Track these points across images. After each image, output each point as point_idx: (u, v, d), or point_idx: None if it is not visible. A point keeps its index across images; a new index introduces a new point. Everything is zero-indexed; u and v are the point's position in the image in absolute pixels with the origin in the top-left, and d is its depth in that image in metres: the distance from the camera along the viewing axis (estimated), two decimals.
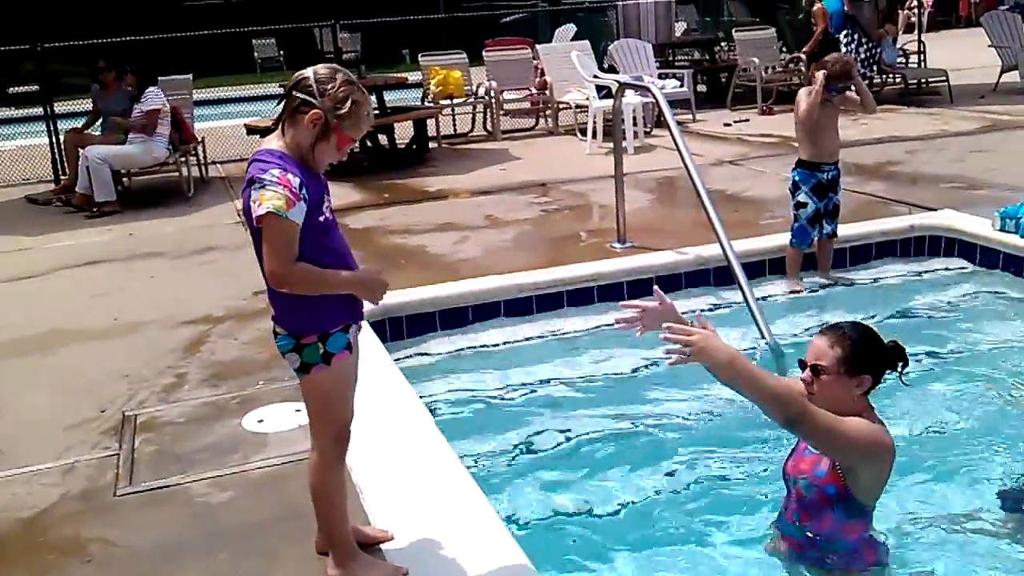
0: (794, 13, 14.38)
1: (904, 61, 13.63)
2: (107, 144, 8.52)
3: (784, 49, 13.75)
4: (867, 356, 2.64)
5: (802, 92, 5.53)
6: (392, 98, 10.66)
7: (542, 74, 12.02)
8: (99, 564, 2.95)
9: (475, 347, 5.03)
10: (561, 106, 11.44)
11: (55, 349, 4.92)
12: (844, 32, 11.89)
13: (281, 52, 23.30)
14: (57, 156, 9.73)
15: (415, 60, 12.74)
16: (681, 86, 11.49)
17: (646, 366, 4.66)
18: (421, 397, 4.04)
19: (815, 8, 12.38)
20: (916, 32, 15.31)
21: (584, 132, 10.35)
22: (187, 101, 9.80)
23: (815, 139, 5.44)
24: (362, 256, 6.11)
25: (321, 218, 2.50)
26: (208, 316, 5.24)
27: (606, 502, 3.50)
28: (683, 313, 2.72)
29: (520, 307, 5.29)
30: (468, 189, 8.44)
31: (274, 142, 2.50)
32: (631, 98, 9.44)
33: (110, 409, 4.07)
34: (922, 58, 13.95)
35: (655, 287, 2.78)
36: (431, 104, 11.21)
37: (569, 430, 4.09)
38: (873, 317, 4.95)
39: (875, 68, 12.23)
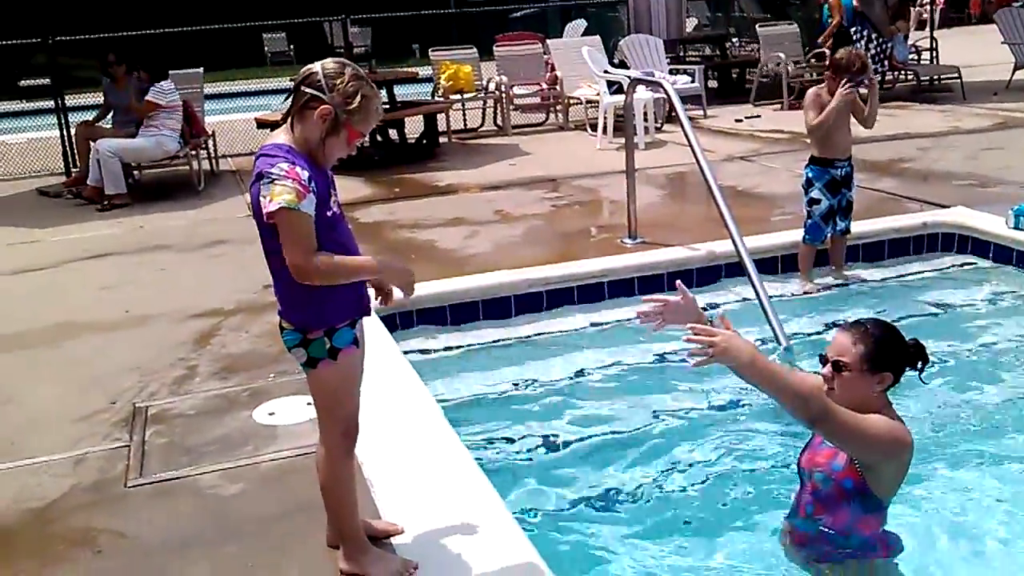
0: (805, 8, 14.33)
1: (916, 58, 13.58)
2: (118, 137, 8.54)
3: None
4: (889, 354, 2.63)
5: (811, 92, 5.49)
6: (402, 93, 10.66)
7: (552, 69, 12.00)
8: (109, 555, 2.95)
9: (485, 342, 5.02)
10: (571, 101, 11.42)
11: (65, 341, 4.93)
12: (854, 28, 11.83)
13: (291, 46, 23.32)
14: (68, 149, 9.75)
15: (425, 55, 12.74)
16: (692, 82, 11.46)
17: (656, 361, 4.65)
18: (430, 390, 4.03)
19: (831, 0, 12.32)
20: (928, 29, 15.26)
21: (594, 127, 10.33)
22: (198, 95, 9.80)
23: (828, 136, 5.40)
24: (372, 250, 6.14)
25: (328, 212, 2.49)
26: (218, 309, 5.24)
27: (616, 496, 3.49)
28: (703, 310, 2.71)
29: (530, 302, 5.28)
30: (478, 184, 8.43)
31: (281, 136, 2.48)
32: (642, 94, 9.41)
33: (120, 401, 4.08)
34: (934, 55, 13.89)
35: (678, 282, 2.77)
36: (441, 99, 11.20)
37: (579, 425, 4.08)
38: (885, 314, 4.92)
39: (886, 64, 12.17)
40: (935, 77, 12.99)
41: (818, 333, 4.92)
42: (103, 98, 9.24)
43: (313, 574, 2.76)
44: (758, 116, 11.44)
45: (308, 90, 2.44)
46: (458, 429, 3.57)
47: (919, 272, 5.76)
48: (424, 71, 11.85)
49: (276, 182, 2.36)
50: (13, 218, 7.99)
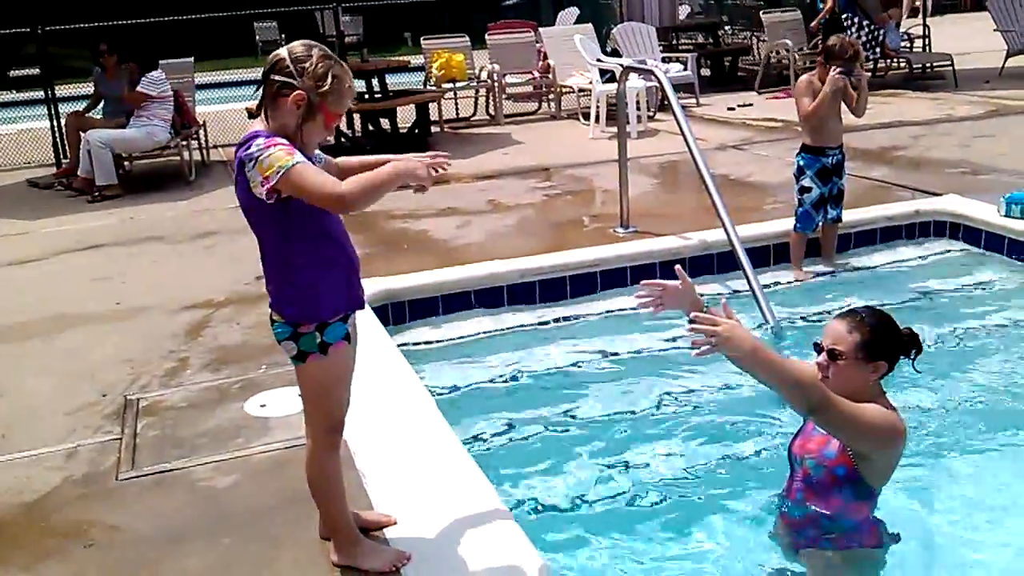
0: None
1: (908, 45, 13.55)
2: (108, 128, 8.51)
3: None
4: (884, 342, 2.63)
5: (803, 79, 5.49)
6: (394, 82, 10.61)
7: (545, 58, 11.97)
8: (101, 548, 2.95)
9: (478, 332, 5.01)
10: (564, 90, 11.40)
11: (56, 333, 4.91)
12: (845, 15, 11.81)
13: (283, 35, 23.16)
14: (58, 140, 9.69)
15: (417, 43, 12.69)
16: (685, 70, 11.44)
17: (649, 350, 4.65)
18: (423, 382, 4.02)
19: None
20: (920, 16, 15.24)
21: (587, 116, 10.31)
22: (188, 84, 9.77)
23: (820, 124, 5.40)
24: (364, 241, 6.13)
25: None
26: (210, 300, 5.22)
27: (609, 485, 3.50)
28: (702, 297, 2.70)
29: (523, 292, 5.28)
30: (470, 174, 8.40)
31: (258, 127, 2.44)
32: (635, 82, 9.39)
33: (112, 393, 4.07)
34: (927, 42, 13.88)
35: (677, 267, 2.76)
36: (433, 88, 11.16)
37: (572, 414, 4.09)
38: (877, 301, 4.92)
39: (878, 52, 12.16)
40: (927, 65, 12.98)
41: (810, 321, 4.93)
42: (93, 88, 9.19)
43: (305, 566, 2.76)
44: (751, 105, 11.42)
45: (278, 78, 2.39)
46: (450, 419, 3.57)
47: (911, 260, 5.77)
48: (416, 60, 11.81)
49: (261, 159, 2.32)
50: (3, 209, 7.96)
